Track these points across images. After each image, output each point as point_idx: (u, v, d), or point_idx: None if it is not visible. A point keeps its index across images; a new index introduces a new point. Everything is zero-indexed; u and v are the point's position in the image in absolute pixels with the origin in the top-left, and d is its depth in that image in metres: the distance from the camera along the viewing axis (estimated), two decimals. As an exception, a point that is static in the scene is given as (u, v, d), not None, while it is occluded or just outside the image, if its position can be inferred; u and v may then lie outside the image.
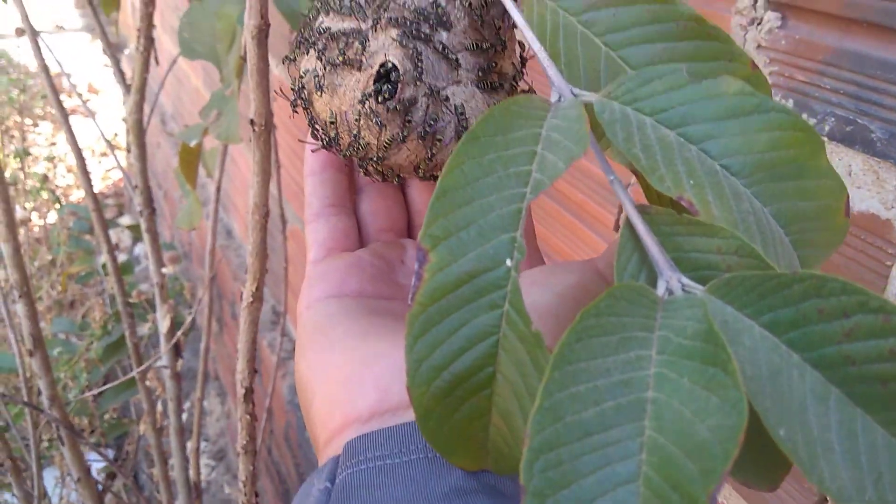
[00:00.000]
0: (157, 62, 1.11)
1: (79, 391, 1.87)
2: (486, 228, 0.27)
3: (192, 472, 1.37)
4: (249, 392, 0.80)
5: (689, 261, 0.28)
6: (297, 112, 0.42)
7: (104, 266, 2.22)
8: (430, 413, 0.29)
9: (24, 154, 3.03)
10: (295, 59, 0.42)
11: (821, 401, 0.24)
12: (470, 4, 0.39)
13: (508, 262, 0.27)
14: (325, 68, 0.39)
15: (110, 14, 1.07)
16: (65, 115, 1.20)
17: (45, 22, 5.09)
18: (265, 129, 0.68)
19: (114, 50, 1.26)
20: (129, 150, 1.14)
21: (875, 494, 0.23)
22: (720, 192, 0.28)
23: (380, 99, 0.38)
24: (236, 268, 2.15)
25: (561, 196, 0.85)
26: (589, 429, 0.23)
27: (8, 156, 3.06)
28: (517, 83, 0.42)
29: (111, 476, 1.96)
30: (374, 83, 0.38)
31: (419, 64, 0.37)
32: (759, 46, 0.59)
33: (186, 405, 2.30)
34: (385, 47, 0.38)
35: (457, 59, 0.38)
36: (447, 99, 0.38)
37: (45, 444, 1.83)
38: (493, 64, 0.40)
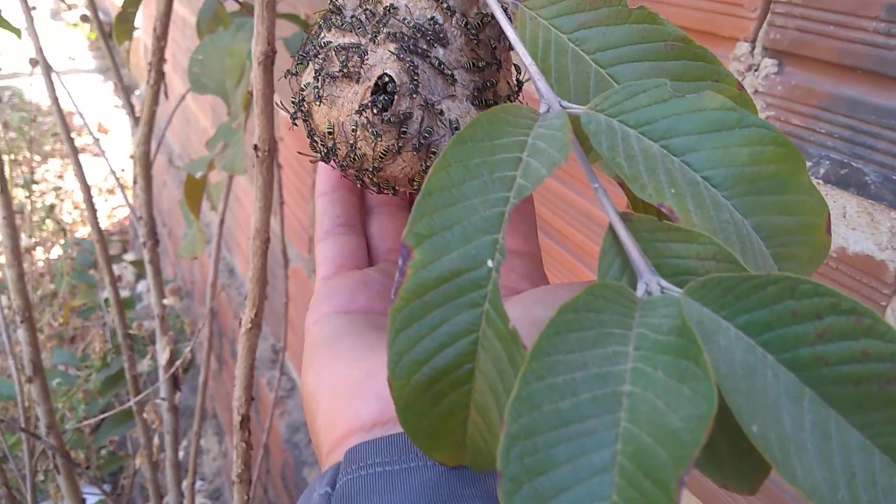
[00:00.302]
0: (166, 96, 1.13)
1: (76, 422, 1.87)
2: (469, 229, 0.28)
3: (186, 508, 1.36)
4: (246, 420, 0.80)
5: (669, 266, 0.28)
6: (296, 125, 0.43)
7: (106, 300, 2.23)
8: (410, 406, 0.29)
9: (31, 183, 3.06)
10: (297, 74, 0.43)
11: (795, 401, 0.24)
12: (466, 24, 0.40)
13: (490, 263, 0.28)
14: (324, 80, 0.40)
15: (122, 44, 1.08)
16: (73, 147, 1.21)
17: (59, 61, 5.16)
18: (268, 156, 0.69)
19: (125, 89, 1.28)
20: (135, 182, 1.15)
21: (848, 494, 0.23)
22: (701, 201, 0.29)
23: (376, 110, 0.38)
24: (237, 306, 2.15)
25: (561, 237, 0.86)
26: (565, 419, 0.23)
27: (16, 185, 3.08)
28: (512, 102, 0.43)
29: (106, 511, 1.94)
30: (372, 95, 0.39)
31: (416, 78, 0.39)
32: (756, 92, 0.60)
33: (183, 443, 2.29)
34: (383, 61, 0.39)
35: (452, 75, 0.39)
36: (442, 113, 0.39)
37: (41, 476, 1.82)
38: (489, 82, 0.41)
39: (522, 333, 0.27)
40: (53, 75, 1.17)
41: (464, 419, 0.30)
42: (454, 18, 0.40)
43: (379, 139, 0.39)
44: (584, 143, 0.33)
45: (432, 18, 0.39)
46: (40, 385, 1.17)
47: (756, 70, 0.60)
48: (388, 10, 0.40)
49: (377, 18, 0.40)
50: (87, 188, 1.25)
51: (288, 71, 0.44)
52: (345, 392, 0.38)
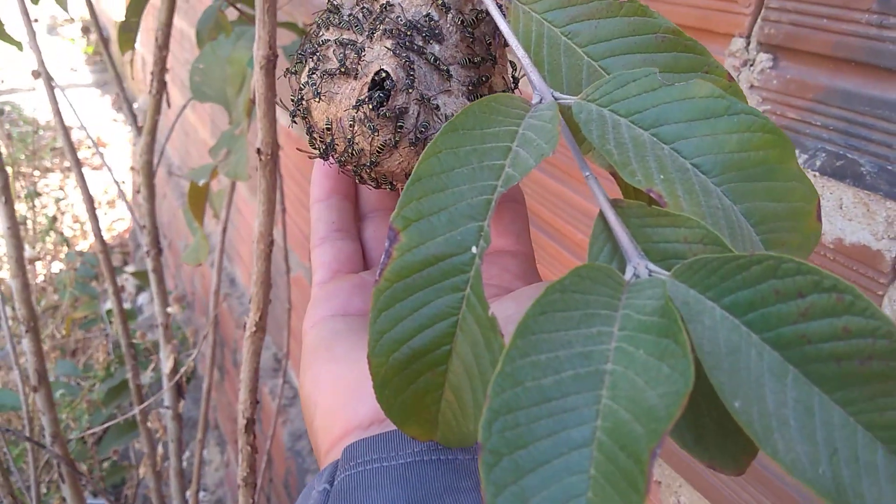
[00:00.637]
0: (168, 105, 1.14)
1: (80, 432, 1.87)
2: (456, 215, 0.29)
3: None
4: (251, 423, 0.81)
5: (658, 250, 0.29)
6: (295, 122, 0.44)
7: (108, 312, 2.24)
8: (387, 383, 0.30)
9: (34, 196, 3.08)
10: (296, 72, 0.44)
11: (778, 379, 0.25)
12: (462, 21, 0.40)
13: (474, 249, 0.28)
14: (322, 78, 0.41)
15: (125, 53, 1.09)
16: (75, 157, 1.22)
17: (58, 75, 5.18)
18: (272, 159, 0.69)
19: (127, 100, 1.29)
20: (137, 191, 1.16)
21: (830, 470, 0.24)
22: (690, 187, 0.30)
23: (373, 105, 0.39)
24: (239, 316, 2.16)
25: (560, 235, 0.86)
26: (547, 395, 0.24)
27: (19, 197, 3.10)
28: None
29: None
30: (368, 91, 0.39)
31: (412, 73, 0.39)
32: (751, 86, 0.61)
33: (186, 454, 2.29)
34: (380, 57, 0.40)
35: (448, 71, 0.40)
36: (438, 108, 0.40)
37: (44, 489, 1.82)
38: (484, 78, 0.41)
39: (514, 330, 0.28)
40: (55, 84, 1.18)
41: (438, 398, 0.31)
42: (449, 15, 0.41)
43: (376, 134, 0.40)
44: (577, 134, 0.33)
45: (428, 15, 0.40)
46: (45, 394, 1.18)
47: (751, 65, 0.61)
48: (385, 8, 0.40)
49: (374, 16, 0.40)
50: (90, 199, 1.26)
51: (287, 69, 0.45)
52: (342, 393, 0.39)
